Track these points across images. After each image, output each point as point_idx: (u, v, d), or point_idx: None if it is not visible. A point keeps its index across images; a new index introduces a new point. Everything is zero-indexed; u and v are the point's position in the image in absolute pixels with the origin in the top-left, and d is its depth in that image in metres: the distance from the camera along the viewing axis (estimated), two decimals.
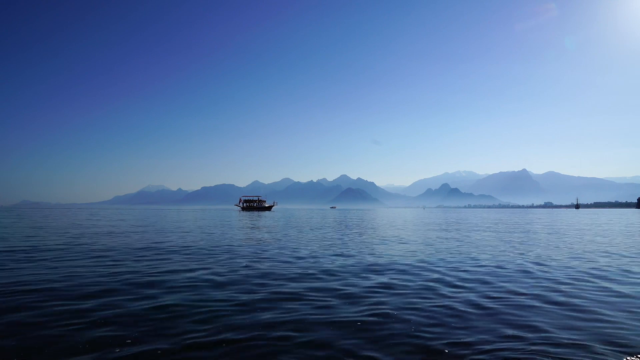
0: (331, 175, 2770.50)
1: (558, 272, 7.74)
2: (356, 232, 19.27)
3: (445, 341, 3.80)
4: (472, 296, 5.63)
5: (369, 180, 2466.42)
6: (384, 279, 6.75)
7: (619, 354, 3.47)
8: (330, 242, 13.58)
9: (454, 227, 23.99)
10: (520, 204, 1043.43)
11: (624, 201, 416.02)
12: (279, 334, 3.89)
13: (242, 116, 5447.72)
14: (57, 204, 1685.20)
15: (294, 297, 5.45)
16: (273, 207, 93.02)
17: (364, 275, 7.23)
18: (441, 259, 9.45)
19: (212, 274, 7.20)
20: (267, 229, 20.86)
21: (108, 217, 39.80)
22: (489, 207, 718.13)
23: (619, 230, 22.20)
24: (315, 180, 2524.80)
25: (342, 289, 5.95)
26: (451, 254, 10.56)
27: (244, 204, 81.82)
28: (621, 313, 4.76)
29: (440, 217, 44.98)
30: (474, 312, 4.80)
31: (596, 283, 6.66)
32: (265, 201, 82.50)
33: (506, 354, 3.49)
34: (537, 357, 3.42)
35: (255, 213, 60.42)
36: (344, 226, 24.24)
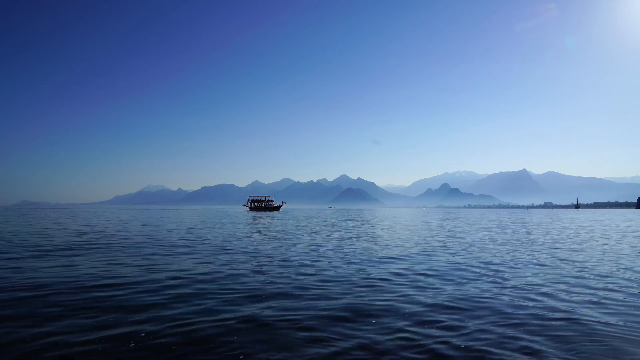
0: (331, 175, 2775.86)
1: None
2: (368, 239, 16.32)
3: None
4: None
5: (369, 180, 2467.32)
6: None
7: None
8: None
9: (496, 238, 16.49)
10: (520, 204, 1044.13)
11: (624, 201, 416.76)
12: None
13: (242, 116, 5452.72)
14: (57, 204, 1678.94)
15: None
16: (281, 207, 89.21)
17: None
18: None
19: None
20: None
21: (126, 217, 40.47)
22: (489, 207, 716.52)
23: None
24: (315, 180, 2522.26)
25: None
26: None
27: (252, 204, 79.83)
28: None
29: (451, 219, 40.89)
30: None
31: None
32: (273, 201, 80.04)
33: None
34: None
35: (265, 214, 58.34)
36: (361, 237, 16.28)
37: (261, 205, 79.15)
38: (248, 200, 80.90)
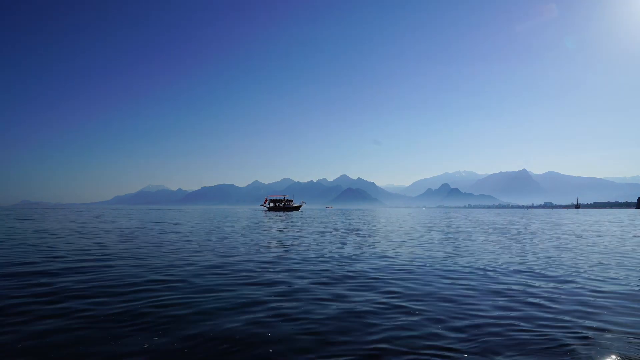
0: (331, 175, 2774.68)
1: None
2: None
3: None
4: None
5: (369, 180, 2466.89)
6: None
7: None
8: None
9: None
10: (521, 204, 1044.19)
11: (624, 201, 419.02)
12: None
13: (242, 116, 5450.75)
14: (57, 204, 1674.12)
15: None
16: (301, 207, 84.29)
17: None
18: None
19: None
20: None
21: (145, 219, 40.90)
22: (489, 207, 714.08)
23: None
24: (315, 180, 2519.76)
25: None
26: None
27: (271, 204, 76.56)
28: None
29: (460, 221, 36.34)
30: None
31: None
32: (292, 201, 76.76)
33: None
34: None
35: (286, 214, 54.21)
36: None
37: (280, 205, 76.10)
38: (266, 200, 77.51)
